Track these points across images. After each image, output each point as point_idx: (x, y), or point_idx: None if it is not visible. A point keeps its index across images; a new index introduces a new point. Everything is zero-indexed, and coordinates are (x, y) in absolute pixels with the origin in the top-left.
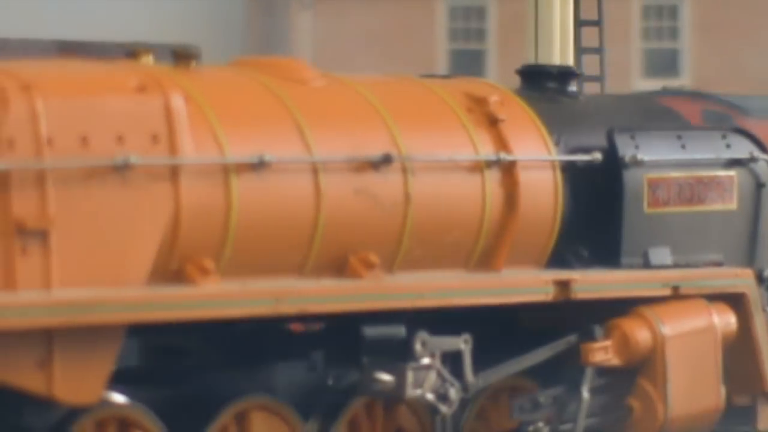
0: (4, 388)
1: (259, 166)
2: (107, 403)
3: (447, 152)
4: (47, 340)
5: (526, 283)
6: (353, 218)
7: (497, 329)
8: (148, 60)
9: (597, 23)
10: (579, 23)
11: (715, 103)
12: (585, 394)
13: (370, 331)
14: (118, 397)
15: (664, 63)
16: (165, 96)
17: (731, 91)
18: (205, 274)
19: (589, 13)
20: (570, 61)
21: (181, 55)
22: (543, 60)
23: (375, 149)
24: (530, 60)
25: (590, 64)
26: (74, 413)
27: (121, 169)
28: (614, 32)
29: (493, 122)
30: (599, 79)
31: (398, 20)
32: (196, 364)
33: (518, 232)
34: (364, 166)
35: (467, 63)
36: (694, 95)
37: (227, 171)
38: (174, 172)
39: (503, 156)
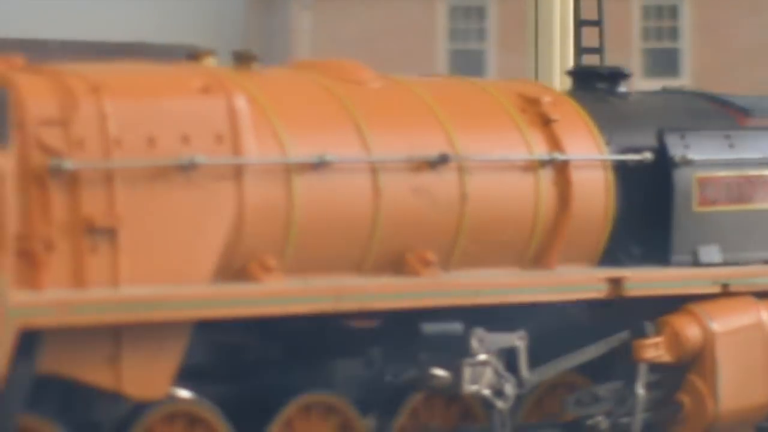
0: (74, 383)
1: (319, 165)
2: (173, 399)
3: (501, 152)
4: (116, 337)
5: (580, 281)
6: (411, 217)
7: (547, 326)
8: (210, 62)
9: (597, 23)
10: (579, 23)
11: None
12: (640, 390)
13: (428, 328)
14: (184, 393)
15: (664, 63)
16: (228, 97)
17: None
18: (268, 272)
19: (589, 13)
20: (570, 60)
21: (242, 57)
22: (543, 59)
23: (431, 149)
24: (530, 59)
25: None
26: (141, 408)
27: (187, 168)
28: (614, 32)
29: (546, 122)
30: None
31: (398, 20)
32: (257, 361)
33: (571, 230)
34: (421, 166)
35: (467, 63)
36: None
37: (289, 170)
38: (238, 172)
39: (556, 156)
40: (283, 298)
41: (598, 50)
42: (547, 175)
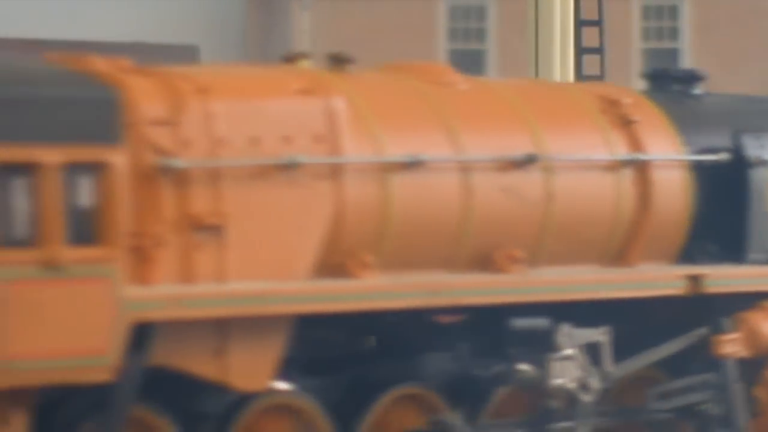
0: (180, 375)
1: (414, 165)
2: (275, 390)
3: (584, 152)
4: (222, 330)
5: (661, 278)
6: (499, 215)
7: (628, 322)
8: (306, 65)
9: (597, 23)
10: (579, 23)
11: None
12: (733, 384)
13: (516, 324)
14: (283, 385)
15: (664, 63)
16: (327, 98)
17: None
18: (365, 268)
19: (589, 13)
20: (570, 61)
21: (338, 60)
22: (543, 59)
23: (518, 149)
24: (530, 59)
25: (590, 64)
26: (245, 399)
27: (289, 168)
28: (614, 32)
29: (626, 123)
30: (599, 78)
31: (398, 20)
32: (351, 354)
33: (651, 228)
34: (508, 166)
35: (467, 63)
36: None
37: (385, 170)
38: (336, 171)
39: (637, 156)
40: (381, 293)
41: (598, 50)
42: (628, 175)
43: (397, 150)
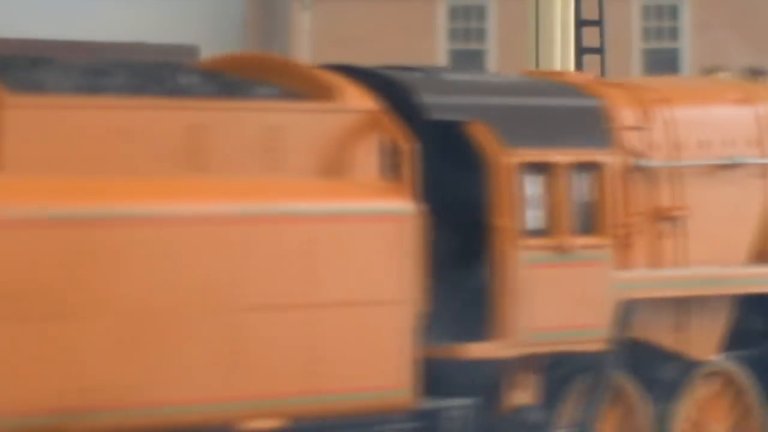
0: (643, 346)
1: None
2: (716, 360)
3: None
4: (683, 308)
5: None
6: None
7: None
8: (726, 76)
9: (597, 23)
10: (579, 23)
11: None
12: None
13: None
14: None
15: (664, 63)
16: (759, 107)
17: None
18: None
19: (590, 13)
20: (570, 61)
21: (754, 72)
22: (543, 59)
23: None
24: (531, 59)
25: (590, 64)
26: (690, 366)
27: (732, 168)
28: (614, 32)
29: None
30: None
31: (398, 20)
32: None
33: None
34: None
35: (467, 63)
36: None
37: None
38: (766, 171)
39: None
40: None
41: (599, 50)
42: None
43: None
